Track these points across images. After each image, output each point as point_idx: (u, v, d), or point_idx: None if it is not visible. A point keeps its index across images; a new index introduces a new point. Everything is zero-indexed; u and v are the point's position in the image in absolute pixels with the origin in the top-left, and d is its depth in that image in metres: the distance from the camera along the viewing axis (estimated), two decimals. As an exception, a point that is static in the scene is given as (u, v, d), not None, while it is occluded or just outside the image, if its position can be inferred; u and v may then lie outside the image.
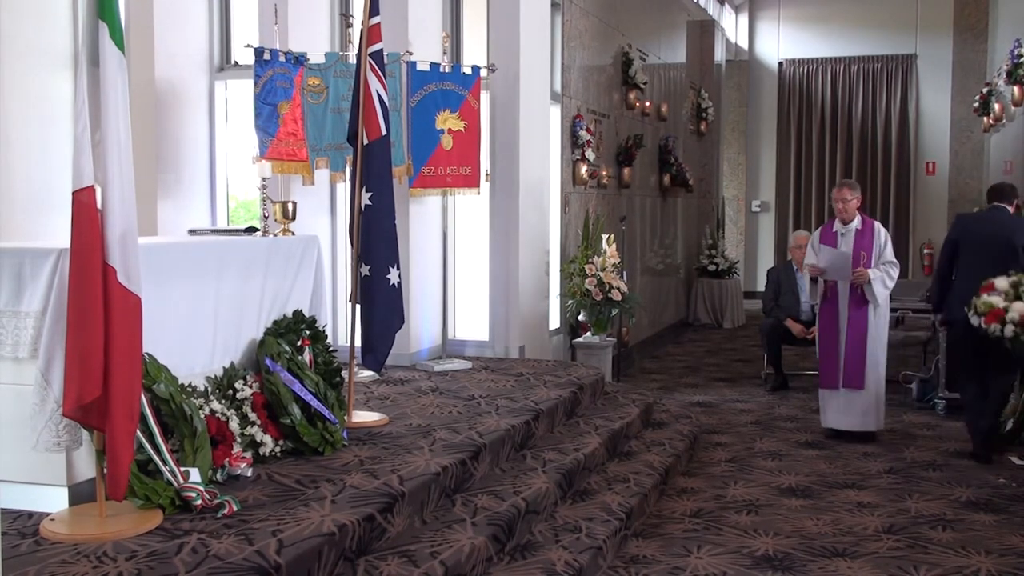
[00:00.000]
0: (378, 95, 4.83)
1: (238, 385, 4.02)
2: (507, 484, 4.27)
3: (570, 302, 7.70)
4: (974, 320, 5.24)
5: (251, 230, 4.81)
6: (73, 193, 3.06)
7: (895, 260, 6.32)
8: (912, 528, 4.62)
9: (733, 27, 14.96)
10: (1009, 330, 4.99)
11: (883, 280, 6.22)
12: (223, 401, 3.92)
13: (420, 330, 6.67)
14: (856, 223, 6.38)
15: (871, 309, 6.26)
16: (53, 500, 3.34)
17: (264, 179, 4.84)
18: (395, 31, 6.03)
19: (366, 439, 4.44)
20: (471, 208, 7.20)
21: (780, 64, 14.86)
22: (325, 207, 7.03)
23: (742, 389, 8.35)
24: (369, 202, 4.81)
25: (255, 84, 5.76)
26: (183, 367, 3.81)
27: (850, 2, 14.26)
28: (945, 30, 13.81)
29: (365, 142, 4.83)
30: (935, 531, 4.59)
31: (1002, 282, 5.26)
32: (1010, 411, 6.34)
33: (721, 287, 12.77)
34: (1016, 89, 10.10)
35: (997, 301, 5.14)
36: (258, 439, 3.98)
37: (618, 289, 7.48)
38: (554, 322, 7.92)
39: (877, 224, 6.45)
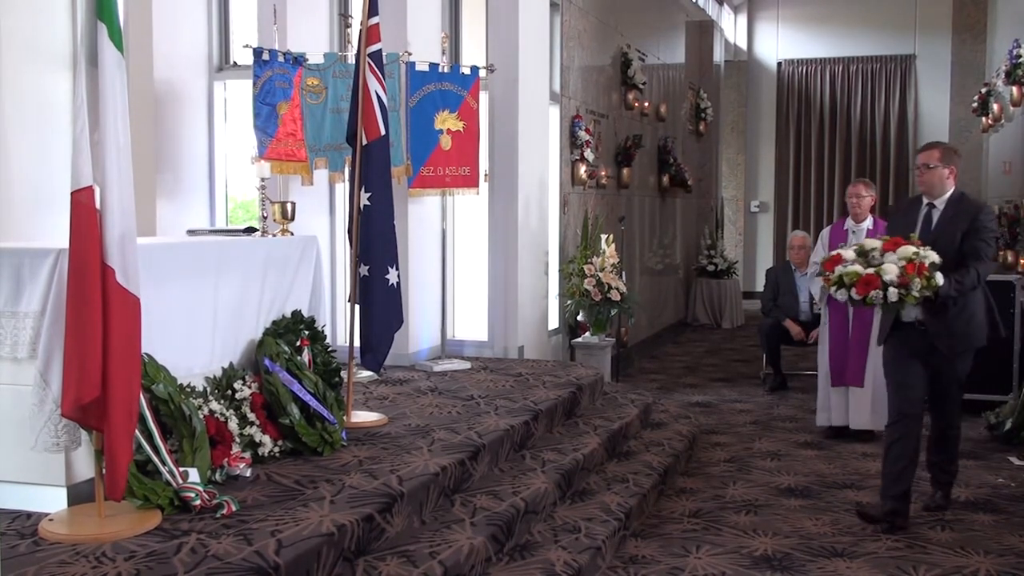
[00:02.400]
0: (377, 95, 4.83)
1: (237, 385, 4.02)
2: (506, 484, 4.27)
3: (569, 302, 7.70)
4: (840, 296, 4.44)
5: (250, 230, 4.81)
6: (72, 193, 3.06)
7: None
8: (911, 528, 4.61)
9: (732, 27, 14.97)
10: (893, 293, 4.24)
11: None
12: (222, 401, 3.92)
13: (419, 330, 6.67)
14: (868, 223, 6.38)
15: (876, 308, 6.26)
16: (52, 500, 3.33)
17: (263, 179, 4.84)
18: (394, 31, 6.03)
19: (365, 439, 4.44)
20: (470, 208, 7.20)
21: (779, 64, 14.87)
22: (324, 207, 7.02)
23: (741, 389, 8.35)
24: (368, 202, 4.81)
25: (254, 84, 5.76)
26: (182, 367, 3.81)
27: (849, 2, 14.27)
28: (944, 30, 13.82)
29: (364, 142, 4.83)
30: (934, 531, 4.59)
31: (848, 252, 4.50)
32: (1009, 411, 6.36)
33: (720, 287, 12.78)
34: (1015, 89, 10.10)
35: (859, 269, 4.36)
36: (257, 439, 3.97)
37: (617, 289, 7.48)
38: (553, 322, 7.92)
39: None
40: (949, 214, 4.61)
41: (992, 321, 4.70)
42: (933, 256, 4.29)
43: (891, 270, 4.25)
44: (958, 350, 4.61)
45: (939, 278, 4.26)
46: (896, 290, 4.24)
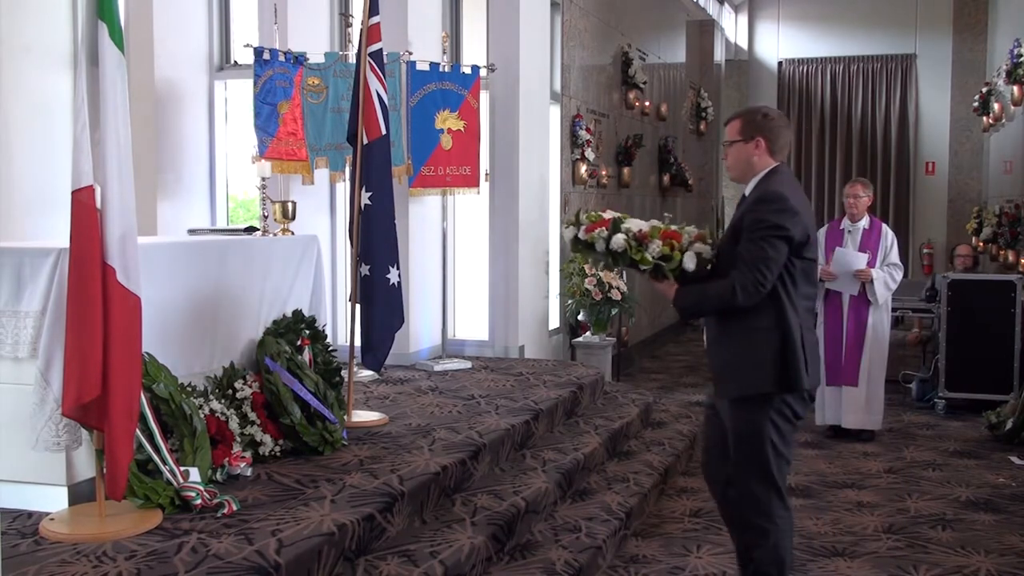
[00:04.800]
0: (378, 95, 4.84)
1: (238, 385, 4.02)
2: (507, 484, 4.27)
3: (570, 302, 7.70)
4: (568, 233, 3.57)
5: (251, 230, 4.82)
6: (72, 193, 3.06)
7: (899, 263, 6.33)
8: (912, 528, 4.62)
9: (733, 27, 14.96)
10: (619, 240, 3.37)
11: (885, 281, 6.25)
12: (223, 401, 3.92)
13: (420, 330, 6.67)
14: (864, 222, 6.39)
15: (871, 308, 6.28)
16: (53, 500, 3.34)
17: (264, 179, 4.84)
18: (395, 31, 6.03)
19: (366, 439, 4.44)
20: (471, 208, 7.20)
21: (780, 64, 14.85)
22: (325, 207, 7.03)
23: (742, 389, 8.34)
24: (369, 202, 4.82)
25: (255, 84, 5.76)
26: (183, 367, 3.81)
27: (850, 2, 14.25)
28: (945, 30, 13.80)
29: (365, 142, 4.83)
30: (935, 531, 4.59)
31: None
32: (1009, 411, 6.35)
33: (721, 287, 12.75)
34: (1016, 89, 10.09)
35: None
36: (257, 439, 3.98)
37: (618, 289, 7.48)
38: (554, 322, 7.92)
39: (885, 227, 6.46)
40: (746, 202, 3.44)
41: (788, 371, 3.30)
42: (693, 252, 3.39)
43: (635, 224, 3.45)
44: (726, 392, 3.45)
45: (688, 261, 3.35)
46: (624, 237, 3.37)
